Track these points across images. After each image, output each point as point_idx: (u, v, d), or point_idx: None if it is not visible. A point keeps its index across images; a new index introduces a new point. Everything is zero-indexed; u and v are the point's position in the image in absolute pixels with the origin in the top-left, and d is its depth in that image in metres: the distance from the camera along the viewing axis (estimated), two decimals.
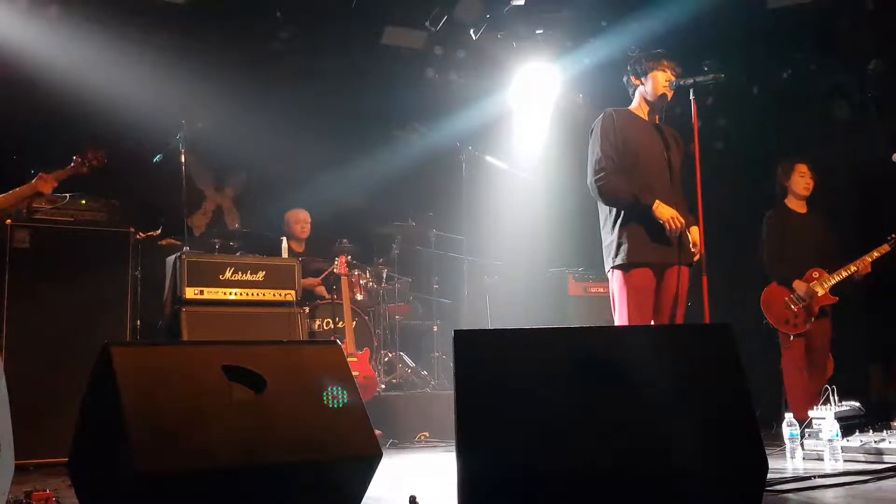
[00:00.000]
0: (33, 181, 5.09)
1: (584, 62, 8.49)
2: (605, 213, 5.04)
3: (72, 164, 5.29)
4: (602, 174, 4.91)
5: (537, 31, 8.57)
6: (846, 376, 6.38)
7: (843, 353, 6.48)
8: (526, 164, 8.60)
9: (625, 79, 5.24)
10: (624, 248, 4.88)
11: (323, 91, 8.45)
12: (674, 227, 4.80)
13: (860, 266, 6.11)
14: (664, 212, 4.82)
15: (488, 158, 8.11)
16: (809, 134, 7.57)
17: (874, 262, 6.12)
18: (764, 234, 6.45)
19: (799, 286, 6.15)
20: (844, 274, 6.12)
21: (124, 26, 7.21)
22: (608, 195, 4.94)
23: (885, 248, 6.10)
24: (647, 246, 4.87)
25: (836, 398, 5.37)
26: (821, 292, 6.12)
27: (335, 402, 3.26)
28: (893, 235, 6.11)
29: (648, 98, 5.10)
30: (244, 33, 7.89)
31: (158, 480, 2.78)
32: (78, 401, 3.16)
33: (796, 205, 6.47)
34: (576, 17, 8.28)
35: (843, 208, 7.23)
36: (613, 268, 4.94)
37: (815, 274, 6.18)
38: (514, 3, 7.86)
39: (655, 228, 4.85)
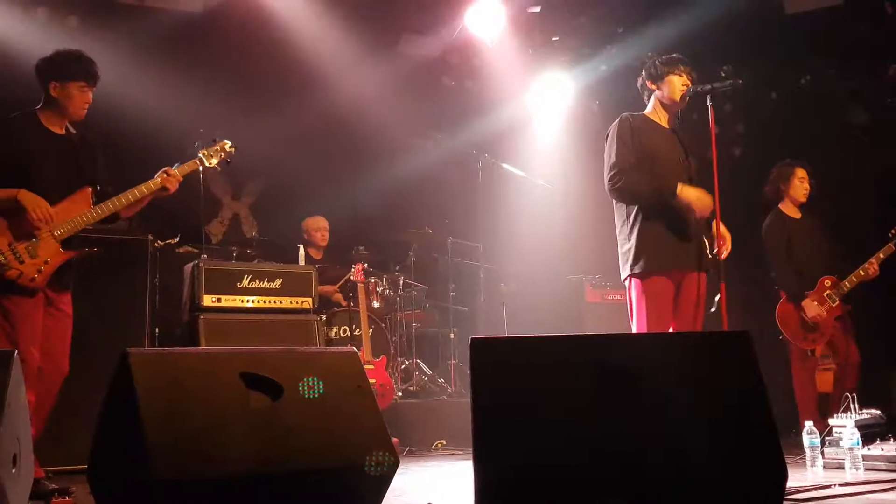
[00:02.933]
0: (157, 177, 4.69)
1: (600, 69, 8.49)
2: (623, 220, 4.96)
3: (198, 158, 5.00)
4: (616, 172, 4.82)
5: (553, 38, 8.58)
6: (866, 384, 6.33)
7: (862, 361, 6.43)
8: (542, 171, 8.60)
9: (639, 83, 5.17)
10: (642, 255, 4.81)
11: (339, 99, 8.48)
12: (702, 206, 4.73)
13: (869, 269, 6.09)
14: (690, 193, 4.73)
15: (504, 165, 8.10)
16: (827, 139, 7.53)
17: (882, 264, 6.10)
18: (766, 245, 6.40)
19: (809, 306, 6.11)
20: (855, 280, 6.10)
21: (141, 35, 7.26)
22: (627, 193, 4.84)
23: (890, 247, 6.08)
24: (666, 253, 4.80)
25: (857, 406, 5.33)
26: (835, 303, 6.08)
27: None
28: (894, 231, 6.08)
29: (665, 102, 5.05)
30: (260, 41, 7.92)
31: (176, 487, 2.78)
32: (97, 408, 3.17)
33: (791, 210, 6.43)
34: (592, 23, 8.28)
35: (861, 214, 7.18)
36: (631, 276, 4.87)
37: (827, 282, 6.14)
38: (531, 10, 7.87)
39: (673, 235, 4.80)
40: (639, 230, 4.85)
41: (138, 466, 2.81)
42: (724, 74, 6.20)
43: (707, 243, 4.87)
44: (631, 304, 4.91)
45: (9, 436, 3.03)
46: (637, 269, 4.82)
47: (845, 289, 6.10)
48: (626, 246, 4.91)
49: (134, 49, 7.13)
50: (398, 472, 3.28)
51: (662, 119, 5.07)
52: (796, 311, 6.17)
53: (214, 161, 5.09)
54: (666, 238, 4.82)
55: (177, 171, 4.76)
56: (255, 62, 8.19)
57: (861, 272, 6.09)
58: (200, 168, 5.06)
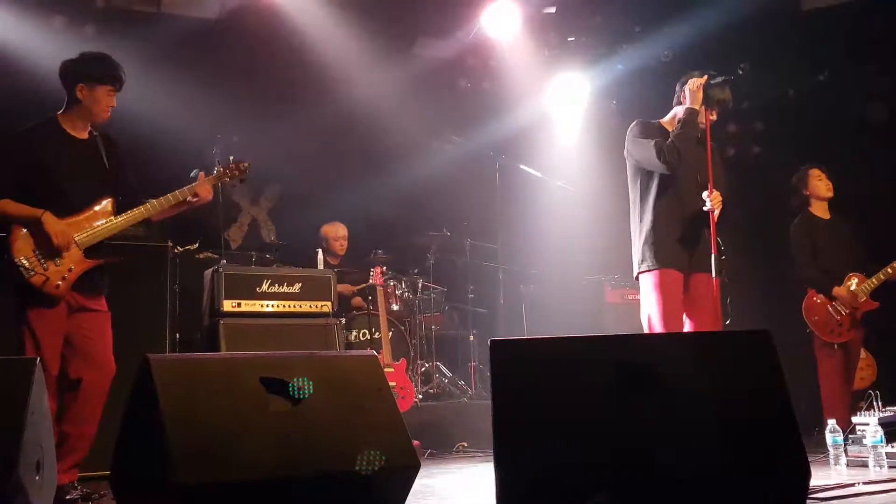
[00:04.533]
0: (193, 184, 4.68)
1: (617, 69, 8.47)
2: (636, 219, 5.06)
3: (216, 174, 4.94)
4: (654, 145, 4.88)
5: (569, 39, 8.56)
6: (890, 381, 6.28)
7: (886, 358, 6.39)
8: (560, 172, 8.58)
9: (677, 89, 5.23)
10: (651, 251, 4.93)
11: (355, 102, 8.49)
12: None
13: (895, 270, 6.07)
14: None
15: (522, 167, 8.10)
16: (847, 136, 7.48)
17: None
18: (793, 244, 6.39)
19: (840, 292, 6.09)
20: (883, 277, 6.07)
21: (157, 42, 7.30)
22: (674, 150, 4.87)
23: None
24: (674, 250, 4.91)
25: (880, 403, 5.29)
26: (863, 298, 6.05)
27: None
28: None
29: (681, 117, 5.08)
30: (276, 46, 7.95)
31: (198, 492, 2.79)
32: (119, 414, 3.19)
33: (820, 210, 6.41)
34: (608, 23, 8.26)
35: (881, 212, 7.12)
36: (642, 272, 4.98)
37: (854, 279, 6.11)
38: (546, 10, 7.85)
39: (681, 235, 4.90)
40: (648, 229, 4.97)
41: (160, 471, 2.82)
42: (741, 72, 6.18)
43: (717, 246, 4.87)
44: (645, 301, 4.98)
45: (32, 443, 3.05)
46: (644, 267, 4.95)
47: (871, 287, 6.07)
48: (638, 244, 5.04)
49: (151, 56, 7.14)
50: (419, 475, 3.28)
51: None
52: (823, 305, 6.14)
53: (228, 179, 5.05)
54: (674, 237, 4.93)
55: (208, 179, 4.77)
56: (271, 67, 8.22)
57: (889, 270, 6.06)
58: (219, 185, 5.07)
